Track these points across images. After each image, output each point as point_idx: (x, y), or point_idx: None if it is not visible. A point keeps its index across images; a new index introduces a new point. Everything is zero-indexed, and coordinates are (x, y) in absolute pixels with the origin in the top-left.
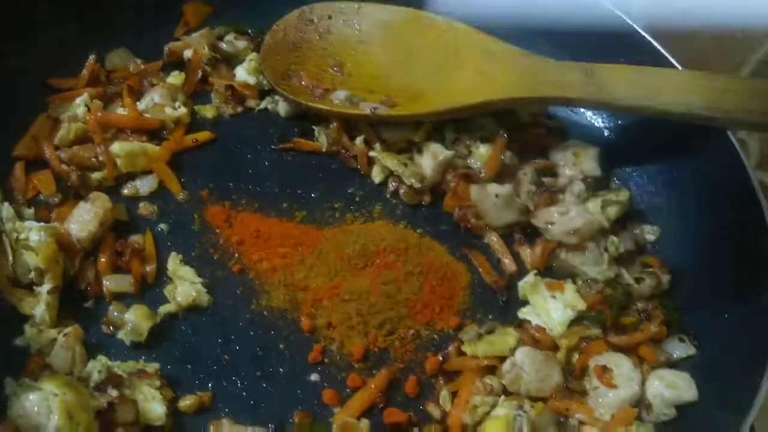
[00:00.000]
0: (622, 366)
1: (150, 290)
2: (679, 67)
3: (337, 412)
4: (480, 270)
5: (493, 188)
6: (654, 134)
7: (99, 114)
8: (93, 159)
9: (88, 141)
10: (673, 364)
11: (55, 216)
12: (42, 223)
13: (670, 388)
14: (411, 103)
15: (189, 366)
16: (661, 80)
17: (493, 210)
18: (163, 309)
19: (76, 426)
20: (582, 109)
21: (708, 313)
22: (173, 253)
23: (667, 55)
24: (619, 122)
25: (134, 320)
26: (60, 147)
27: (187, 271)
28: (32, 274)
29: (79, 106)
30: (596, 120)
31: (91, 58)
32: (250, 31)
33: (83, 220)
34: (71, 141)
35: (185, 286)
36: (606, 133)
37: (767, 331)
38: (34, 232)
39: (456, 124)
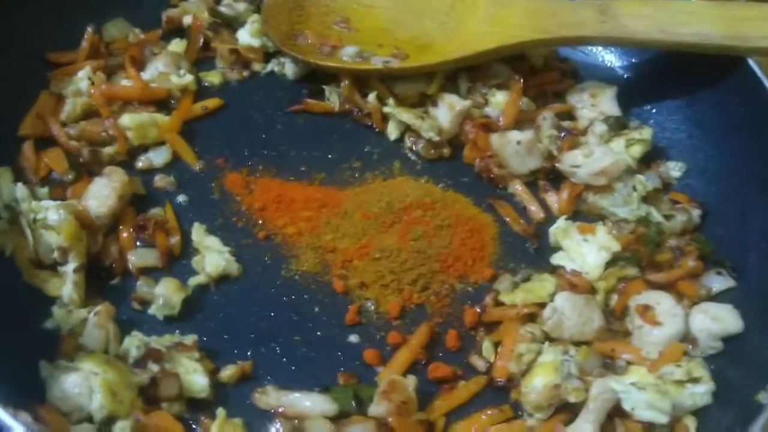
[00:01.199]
0: (663, 303)
1: (177, 263)
2: None
3: (381, 371)
4: (507, 219)
5: (515, 135)
6: (670, 69)
7: (104, 87)
8: (103, 133)
9: (95, 115)
10: (713, 298)
11: (70, 194)
12: (60, 202)
13: (715, 320)
14: (421, 53)
15: (226, 336)
16: (677, 12)
17: (516, 157)
18: (194, 281)
19: (120, 403)
20: (595, 50)
21: (742, 243)
22: (197, 224)
23: None
24: (634, 60)
25: (165, 294)
26: (67, 123)
27: (214, 241)
28: (55, 254)
29: (82, 80)
30: (610, 59)
31: (90, 29)
32: None
33: (101, 195)
34: (78, 116)
35: (213, 256)
36: (621, 72)
37: None
38: (52, 211)
39: (470, 73)
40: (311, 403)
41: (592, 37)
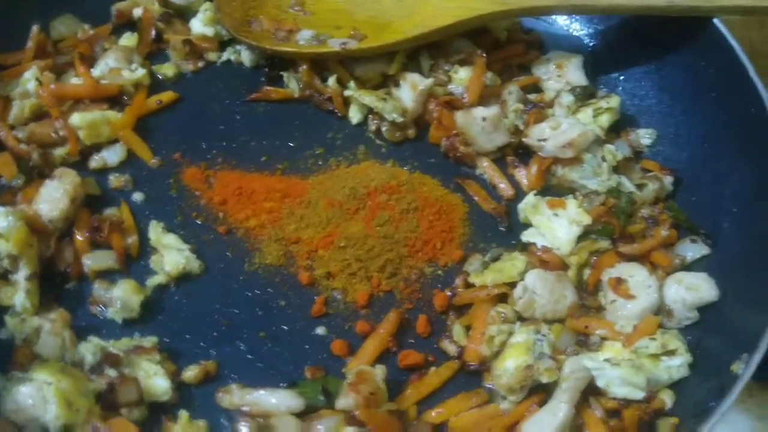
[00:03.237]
0: (636, 275)
1: (135, 263)
2: None
3: (350, 361)
4: (476, 198)
5: (480, 111)
6: (637, 35)
7: (52, 86)
8: (53, 134)
9: (45, 116)
10: (688, 267)
11: (20, 199)
12: (8, 207)
13: (689, 290)
14: (380, 33)
15: (188, 336)
16: None
17: (482, 134)
18: (152, 281)
19: (75, 412)
20: (559, 19)
21: (716, 209)
22: (153, 222)
23: None
24: (598, 27)
25: (123, 296)
26: (15, 126)
27: (172, 239)
28: (5, 262)
29: (29, 80)
30: (575, 28)
31: (35, 28)
32: None
33: (52, 198)
34: (27, 118)
35: (172, 255)
36: (586, 41)
37: None
38: (1, 218)
39: (431, 50)
40: (277, 400)
41: (553, 6)
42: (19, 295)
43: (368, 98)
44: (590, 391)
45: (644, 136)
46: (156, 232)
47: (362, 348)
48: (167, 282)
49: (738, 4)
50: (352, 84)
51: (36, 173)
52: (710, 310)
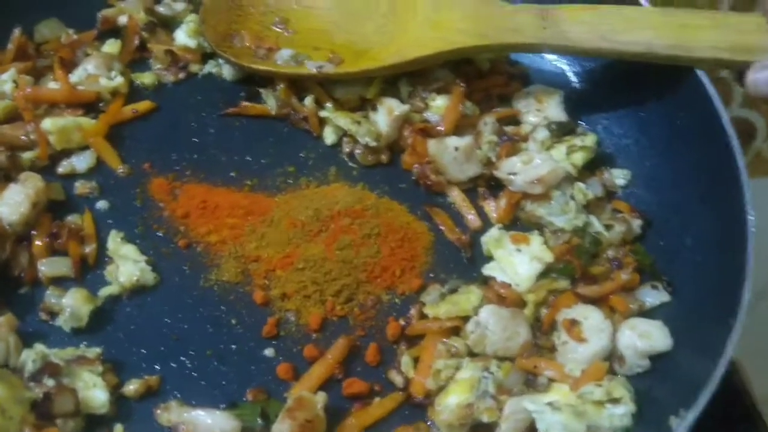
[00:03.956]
0: (591, 318)
1: (91, 272)
2: (644, 4)
3: (293, 386)
4: (442, 228)
5: (452, 141)
6: (620, 75)
7: (28, 90)
8: (23, 137)
9: (18, 119)
10: (646, 313)
11: None
12: None
13: (642, 337)
14: (358, 58)
15: (134, 349)
16: (620, 19)
17: (454, 164)
18: (105, 291)
19: (9, 420)
20: (544, 55)
21: (681, 258)
22: (113, 231)
23: None
24: (585, 65)
25: (73, 305)
26: None
27: (130, 249)
28: None
29: (6, 82)
30: (560, 63)
31: (17, 30)
32: None
33: (14, 202)
34: None
35: (128, 266)
36: (571, 77)
37: (739, 272)
38: None
39: (410, 77)
40: (212, 421)
41: (533, 44)
42: None
43: (343, 120)
44: None
45: (619, 177)
46: (115, 241)
47: (307, 373)
48: (120, 293)
49: (716, 57)
50: (328, 105)
51: (2, 175)
52: (662, 359)
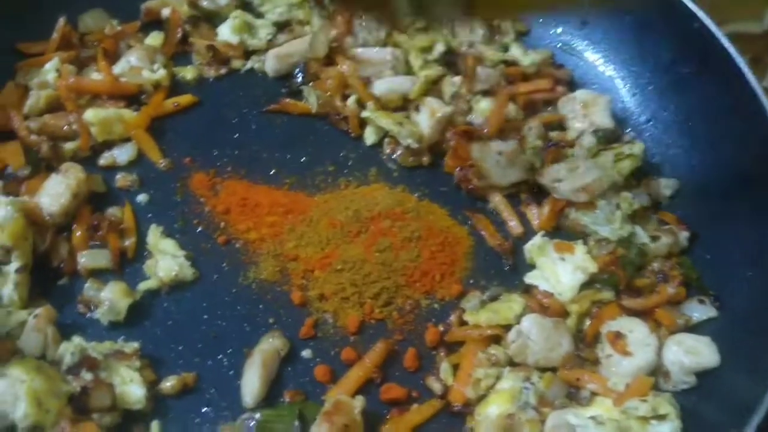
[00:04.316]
0: (636, 331)
1: (130, 266)
2: None
3: (330, 389)
4: (484, 233)
5: (496, 145)
6: (668, 82)
7: (71, 79)
8: (65, 128)
9: (60, 109)
10: (692, 328)
11: (25, 189)
12: (9, 197)
13: (689, 353)
14: None
15: (172, 345)
16: None
17: (497, 168)
18: (144, 285)
19: (45, 413)
20: (591, 58)
21: (729, 272)
22: (153, 226)
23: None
24: (632, 69)
25: (112, 298)
26: (29, 116)
27: (169, 244)
28: None
29: (50, 71)
30: (607, 68)
31: (62, 20)
32: None
33: (55, 192)
34: (42, 109)
35: (167, 261)
36: (617, 83)
37: None
38: (0, 207)
39: (455, 79)
40: None
41: None
42: (8, 287)
43: (385, 121)
44: None
45: (665, 187)
46: (154, 236)
47: (345, 377)
48: (159, 287)
49: None
50: (370, 105)
51: (44, 165)
52: (709, 376)
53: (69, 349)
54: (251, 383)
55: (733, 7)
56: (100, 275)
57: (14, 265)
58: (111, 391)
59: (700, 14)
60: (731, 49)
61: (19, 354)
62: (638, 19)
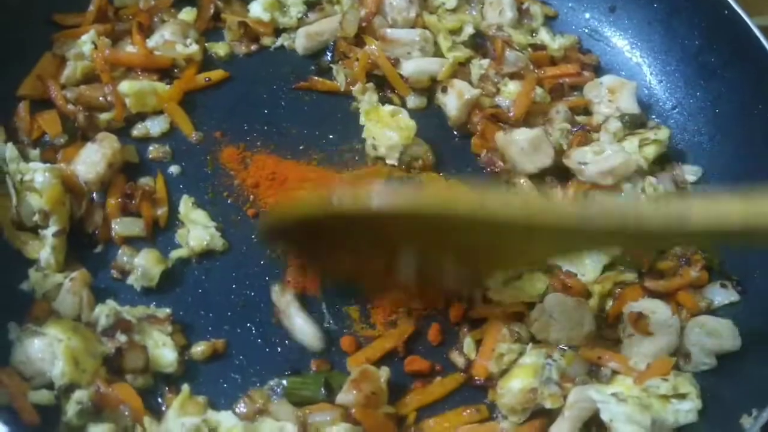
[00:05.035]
0: (659, 312)
1: (162, 234)
2: None
3: (355, 356)
4: None
5: (519, 134)
6: (696, 70)
7: (107, 52)
8: (101, 99)
9: (96, 80)
10: (714, 312)
11: (61, 157)
12: (47, 164)
13: (710, 335)
14: None
15: (202, 312)
16: None
17: (521, 155)
18: (175, 254)
19: (81, 372)
20: (619, 43)
21: (752, 257)
22: (185, 196)
23: None
24: (659, 57)
25: (145, 265)
26: (66, 86)
27: (200, 215)
28: (37, 217)
29: (86, 43)
30: (634, 54)
31: None
32: None
33: (91, 161)
34: (78, 80)
35: (198, 230)
36: (644, 69)
37: None
38: (38, 174)
39: (483, 61)
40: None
41: None
42: (46, 250)
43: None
44: (593, 423)
45: (689, 173)
46: (186, 206)
47: (370, 346)
48: (190, 256)
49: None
50: (365, 105)
51: (79, 134)
52: (729, 359)
53: (104, 312)
54: (306, 329)
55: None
56: (133, 243)
57: (52, 228)
58: (144, 353)
59: (731, 2)
60: (762, 38)
61: (56, 315)
62: (667, 6)
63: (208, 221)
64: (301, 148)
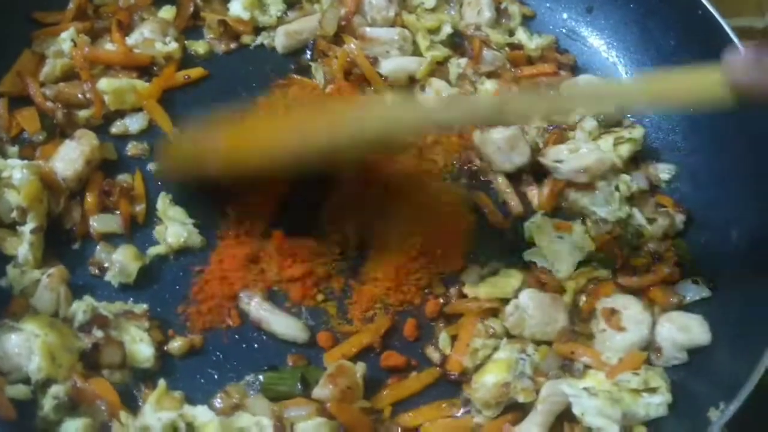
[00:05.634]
0: (630, 308)
1: (140, 231)
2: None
3: (331, 351)
4: (485, 210)
5: (496, 133)
6: (669, 69)
7: (86, 49)
8: (80, 96)
9: (75, 78)
10: (685, 307)
11: (39, 154)
12: (26, 161)
13: (681, 330)
14: None
15: (180, 308)
16: None
17: (498, 154)
18: (153, 250)
19: (58, 367)
20: (595, 44)
21: (723, 254)
22: (162, 193)
23: None
24: (635, 57)
25: (122, 261)
26: (45, 83)
27: (178, 212)
28: (14, 214)
29: (65, 41)
30: (610, 54)
31: None
32: None
33: (69, 158)
34: (57, 77)
35: (176, 227)
36: (619, 68)
37: None
38: (16, 170)
39: (461, 60)
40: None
41: None
42: (23, 246)
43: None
44: (565, 417)
45: (663, 171)
46: (164, 203)
47: (347, 341)
48: (167, 253)
49: None
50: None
51: (58, 131)
52: (699, 353)
53: (81, 308)
54: (289, 323)
55: (736, 1)
56: (110, 239)
57: (29, 225)
58: (121, 349)
59: (704, 2)
60: (734, 37)
61: (33, 311)
62: (642, 7)
63: (185, 218)
64: None
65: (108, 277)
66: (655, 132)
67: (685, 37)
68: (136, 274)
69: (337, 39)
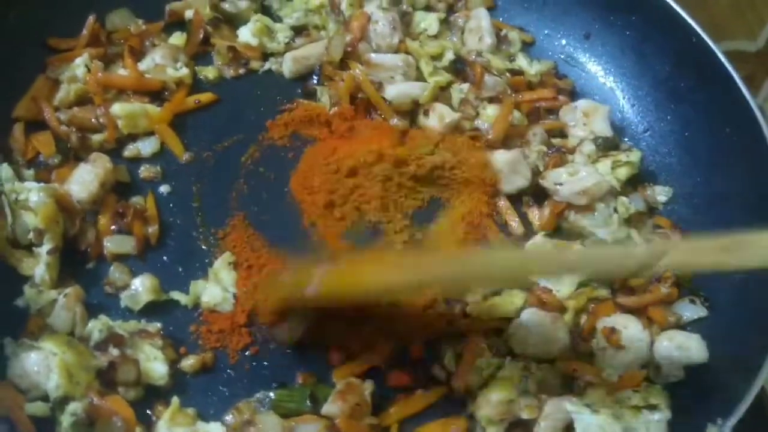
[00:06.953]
0: (630, 327)
1: (152, 252)
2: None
3: (340, 369)
4: (487, 231)
5: (498, 156)
6: (665, 94)
7: (99, 75)
8: (93, 120)
9: (89, 102)
10: (683, 326)
11: (55, 177)
12: (42, 184)
13: (679, 348)
14: None
15: (191, 329)
16: None
17: (500, 176)
18: (176, 295)
19: (75, 385)
20: (593, 70)
21: (719, 275)
22: (227, 253)
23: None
24: (632, 82)
25: (138, 290)
26: (60, 108)
27: (231, 277)
28: (31, 235)
29: (79, 66)
30: (607, 80)
31: (91, 18)
32: None
33: (84, 180)
34: (71, 102)
35: (216, 290)
36: (616, 93)
37: None
38: (33, 193)
39: (463, 86)
40: None
41: None
42: (40, 267)
43: None
44: None
45: (660, 193)
46: (223, 263)
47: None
48: (188, 304)
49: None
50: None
51: (72, 155)
52: (697, 371)
53: (96, 327)
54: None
55: (729, 25)
56: (124, 260)
57: (46, 246)
58: (136, 367)
59: (698, 29)
60: (727, 65)
61: (50, 330)
62: (639, 34)
63: (231, 285)
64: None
65: (122, 297)
66: (652, 155)
67: (680, 64)
68: (143, 306)
69: (343, 64)
